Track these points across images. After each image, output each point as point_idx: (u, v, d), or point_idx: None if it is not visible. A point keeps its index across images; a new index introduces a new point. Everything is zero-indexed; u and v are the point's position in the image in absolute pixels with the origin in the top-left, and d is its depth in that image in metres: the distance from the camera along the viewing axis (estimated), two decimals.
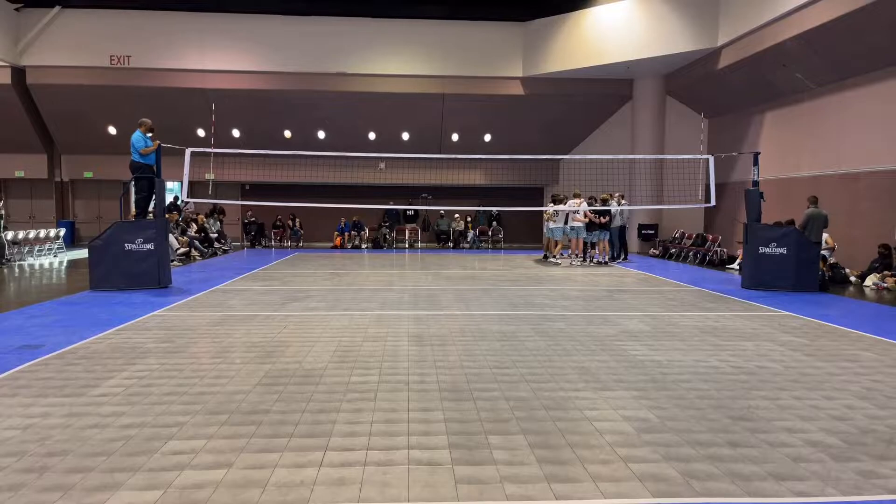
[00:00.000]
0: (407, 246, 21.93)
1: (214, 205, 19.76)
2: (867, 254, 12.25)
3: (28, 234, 15.96)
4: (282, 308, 8.37)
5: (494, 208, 20.66)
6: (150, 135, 10.60)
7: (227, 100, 19.34)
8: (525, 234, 23.05)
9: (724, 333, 6.92)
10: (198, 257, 16.24)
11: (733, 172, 17.66)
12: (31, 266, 13.89)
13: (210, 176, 18.79)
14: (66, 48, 18.89)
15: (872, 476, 3.26)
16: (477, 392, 4.65)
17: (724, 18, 15.92)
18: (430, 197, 22.73)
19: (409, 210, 22.17)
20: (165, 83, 19.10)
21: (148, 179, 10.50)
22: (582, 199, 15.23)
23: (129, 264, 9.81)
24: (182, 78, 19.19)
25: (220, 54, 19.26)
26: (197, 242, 16.65)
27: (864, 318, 8.10)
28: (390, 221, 21.74)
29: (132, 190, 10.96)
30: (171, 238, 13.68)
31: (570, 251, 16.00)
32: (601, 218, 15.34)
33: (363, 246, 21.25)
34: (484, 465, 3.35)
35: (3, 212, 14.21)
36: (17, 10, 18.63)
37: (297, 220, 21.65)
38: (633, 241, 19.21)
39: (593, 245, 15.79)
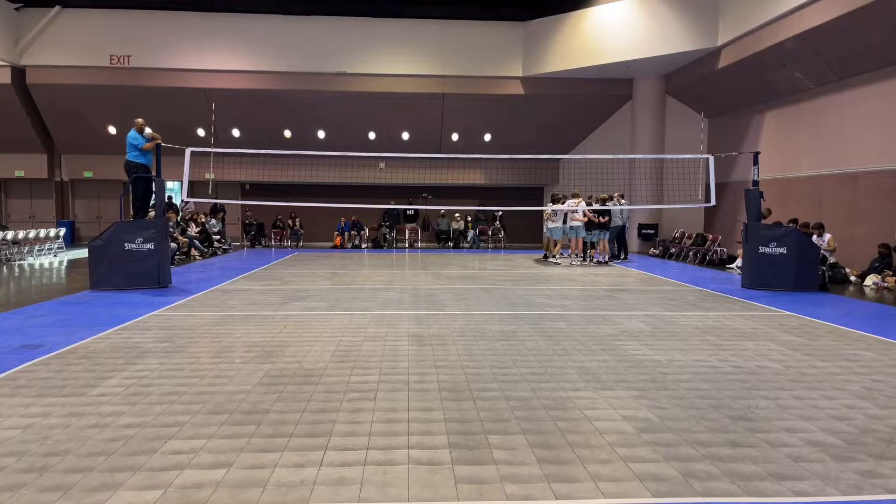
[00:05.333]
0: (407, 246, 21.93)
1: (215, 204, 19.76)
2: (867, 253, 12.25)
3: (28, 233, 15.97)
4: (282, 308, 8.37)
5: (496, 208, 20.63)
6: (148, 130, 10.55)
7: (227, 100, 19.33)
8: (525, 234, 23.04)
9: (724, 333, 6.91)
10: (198, 257, 16.24)
11: (733, 172, 17.66)
12: (31, 266, 13.89)
13: (210, 176, 18.79)
14: (66, 48, 18.89)
15: (872, 476, 3.25)
16: (477, 392, 4.65)
17: (723, 18, 15.92)
18: (430, 197, 22.72)
19: (409, 210, 22.17)
20: (165, 83, 19.10)
21: (144, 179, 10.48)
22: (581, 199, 15.22)
23: (129, 264, 9.81)
24: (182, 78, 19.19)
25: (220, 54, 19.26)
26: (197, 242, 16.65)
27: (864, 317, 8.10)
28: (390, 221, 21.73)
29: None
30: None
31: (569, 251, 16.00)
32: (600, 217, 15.34)
33: (363, 246, 21.25)
34: (484, 464, 3.35)
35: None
36: (17, 9, 18.63)
37: (297, 219, 21.65)
38: (633, 240, 19.21)
39: (593, 245, 15.79)
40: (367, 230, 21.72)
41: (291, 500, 2.94)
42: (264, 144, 18.61)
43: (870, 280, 11.42)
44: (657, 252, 18.63)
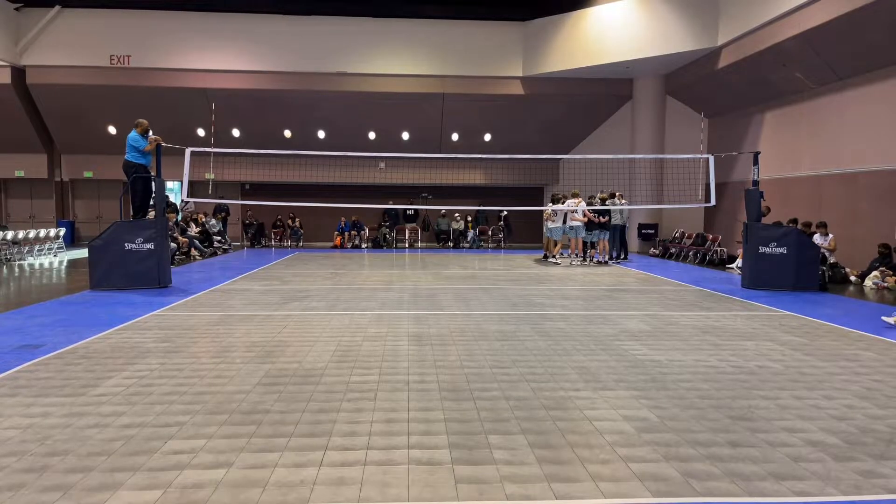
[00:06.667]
0: (407, 246, 21.92)
1: (219, 204, 19.76)
2: (867, 253, 12.25)
3: (28, 233, 15.96)
4: (282, 308, 8.37)
5: (497, 208, 20.62)
6: (151, 135, 10.58)
7: (227, 100, 19.33)
8: (525, 234, 23.04)
9: (724, 333, 6.91)
10: (198, 257, 16.23)
11: (733, 172, 17.66)
12: (31, 266, 13.88)
13: (210, 176, 18.79)
14: (66, 48, 18.89)
15: (872, 476, 3.25)
16: (477, 392, 4.65)
17: (723, 18, 15.92)
18: (430, 197, 22.72)
19: (409, 210, 22.17)
20: (165, 83, 19.10)
21: (143, 179, 10.48)
22: (580, 199, 15.22)
23: (129, 264, 9.80)
24: (182, 78, 19.19)
25: (220, 54, 19.26)
26: (197, 242, 16.64)
27: (864, 317, 8.09)
28: (390, 221, 21.74)
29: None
30: None
31: (569, 251, 16.00)
32: (600, 217, 15.34)
33: (363, 246, 21.25)
34: (484, 464, 3.35)
35: None
36: (17, 9, 18.63)
37: (297, 219, 21.65)
38: (633, 240, 19.21)
39: (593, 245, 15.79)
40: (367, 230, 21.72)
41: (291, 500, 2.94)
42: (264, 144, 18.61)
43: (870, 280, 11.42)
44: (657, 252, 18.63)
